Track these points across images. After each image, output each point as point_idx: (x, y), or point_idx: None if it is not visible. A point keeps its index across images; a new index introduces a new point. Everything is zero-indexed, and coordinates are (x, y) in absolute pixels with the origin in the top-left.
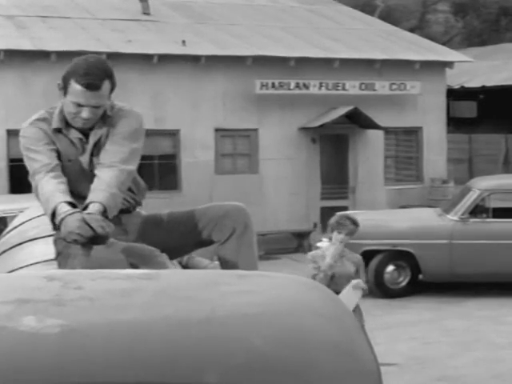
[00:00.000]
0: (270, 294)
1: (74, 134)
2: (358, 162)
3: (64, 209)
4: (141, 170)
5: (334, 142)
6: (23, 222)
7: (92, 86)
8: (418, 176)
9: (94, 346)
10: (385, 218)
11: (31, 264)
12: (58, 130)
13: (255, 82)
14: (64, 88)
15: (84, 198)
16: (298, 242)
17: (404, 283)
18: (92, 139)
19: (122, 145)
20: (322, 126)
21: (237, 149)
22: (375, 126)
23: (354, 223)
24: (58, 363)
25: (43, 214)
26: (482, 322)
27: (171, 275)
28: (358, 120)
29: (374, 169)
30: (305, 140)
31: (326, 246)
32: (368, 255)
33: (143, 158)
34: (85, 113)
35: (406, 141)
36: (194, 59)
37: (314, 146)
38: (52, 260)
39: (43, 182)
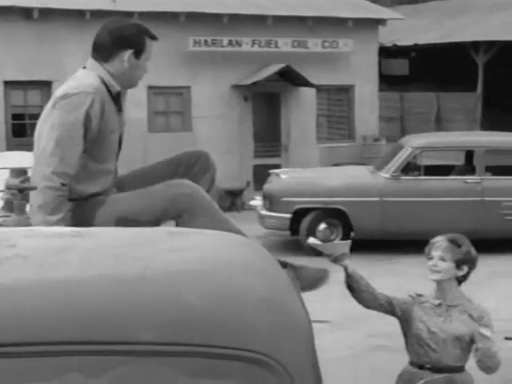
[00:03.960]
0: (202, 251)
1: (122, 102)
2: (291, 119)
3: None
4: None
5: (267, 100)
6: None
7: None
8: (350, 134)
9: (28, 304)
10: (317, 175)
11: None
12: (117, 94)
13: (188, 39)
14: (138, 51)
15: (111, 171)
16: (232, 200)
17: (336, 241)
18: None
19: None
20: (254, 83)
21: (169, 106)
22: (307, 84)
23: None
24: None
25: None
26: (414, 279)
27: (104, 233)
28: (290, 78)
29: (306, 127)
30: (237, 98)
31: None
32: (300, 213)
33: None
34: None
35: (338, 99)
36: (127, 16)
37: (246, 104)
38: None
39: (55, 196)
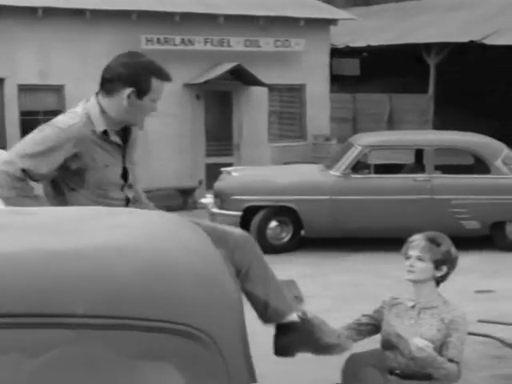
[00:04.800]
0: (139, 229)
1: (115, 139)
2: (243, 118)
3: None
4: (24, 126)
5: (219, 99)
6: None
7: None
8: (302, 133)
9: None
10: (267, 173)
11: None
12: (103, 133)
13: (140, 37)
14: (140, 91)
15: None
16: (183, 199)
17: (286, 239)
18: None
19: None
20: (206, 82)
21: None
22: (259, 83)
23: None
24: None
25: None
26: (364, 276)
27: (43, 211)
28: (241, 77)
29: (258, 126)
30: (189, 96)
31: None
32: (251, 211)
33: (28, 113)
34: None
35: (289, 98)
36: (79, 13)
37: (198, 103)
38: None
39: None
